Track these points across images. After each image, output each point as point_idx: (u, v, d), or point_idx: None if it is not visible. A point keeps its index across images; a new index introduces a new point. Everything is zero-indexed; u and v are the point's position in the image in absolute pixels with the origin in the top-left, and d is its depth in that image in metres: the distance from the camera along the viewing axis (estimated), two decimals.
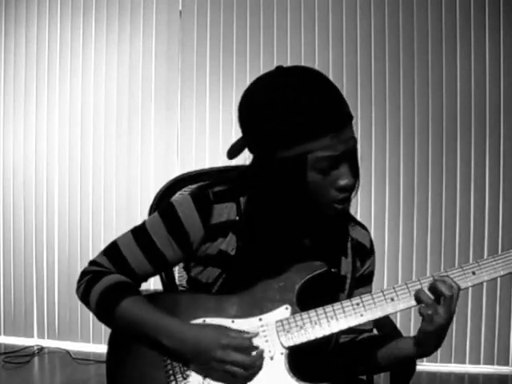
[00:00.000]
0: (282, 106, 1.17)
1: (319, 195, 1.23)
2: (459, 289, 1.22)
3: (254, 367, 1.21)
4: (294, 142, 1.18)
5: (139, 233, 1.34)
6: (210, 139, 3.35)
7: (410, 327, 3.14)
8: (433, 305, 1.20)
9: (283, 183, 1.22)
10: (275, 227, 1.30)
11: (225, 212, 1.31)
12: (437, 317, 1.20)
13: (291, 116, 1.16)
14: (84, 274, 1.35)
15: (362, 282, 1.41)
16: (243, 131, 1.27)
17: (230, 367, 1.19)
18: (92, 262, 1.36)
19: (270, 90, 1.20)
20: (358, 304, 1.24)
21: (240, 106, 1.26)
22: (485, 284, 3.11)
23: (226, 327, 1.23)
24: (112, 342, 1.34)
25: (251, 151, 1.28)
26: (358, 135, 3.22)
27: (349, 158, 1.22)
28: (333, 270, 1.33)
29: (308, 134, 1.16)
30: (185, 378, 1.23)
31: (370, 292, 1.27)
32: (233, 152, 1.27)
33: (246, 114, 1.25)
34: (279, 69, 1.24)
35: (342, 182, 1.21)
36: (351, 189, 1.24)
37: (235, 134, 3.82)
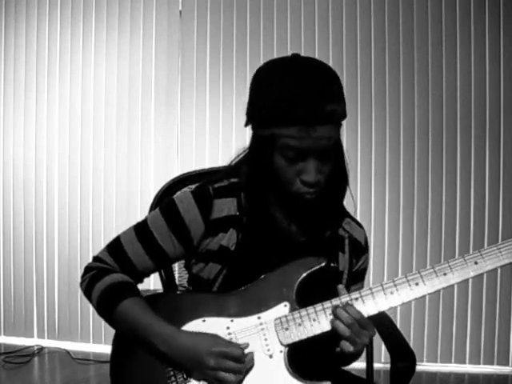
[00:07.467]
0: (267, 89, 1.24)
1: (285, 181, 1.26)
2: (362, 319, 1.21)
3: (246, 373, 1.22)
4: (267, 123, 1.24)
5: (141, 229, 1.36)
6: (210, 139, 3.35)
7: (410, 327, 3.14)
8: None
9: (254, 160, 1.29)
10: (266, 213, 1.32)
11: (225, 207, 1.33)
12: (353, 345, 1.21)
13: (270, 99, 1.22)
14: (88, 269, 1.37)
15: (355, 278, 1.42)
16: None
17: (222, 374, 1.20)
18: (96, 258, 1.38)
19: (266, 72, 1.28)
20: (356, 299, 1.24)
21: None
22: (485, 284, 3.12)
23: (217, 336, 1.24)
24: (116, 343, 1.35)
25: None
26: (358, 133, 3.21)
27: (318, 155, 1.23)
28: (332, 264, 1.33)
29: (279, 119, 1.21)
30: (185, 379, 1.24)
31: (362, 288, 1.27)
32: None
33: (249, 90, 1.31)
34: (292, 55, 1.28)
35: (304, 177, 1.24)
36: (313, 186, 1.25)
37: (235, 133, 3.81)
